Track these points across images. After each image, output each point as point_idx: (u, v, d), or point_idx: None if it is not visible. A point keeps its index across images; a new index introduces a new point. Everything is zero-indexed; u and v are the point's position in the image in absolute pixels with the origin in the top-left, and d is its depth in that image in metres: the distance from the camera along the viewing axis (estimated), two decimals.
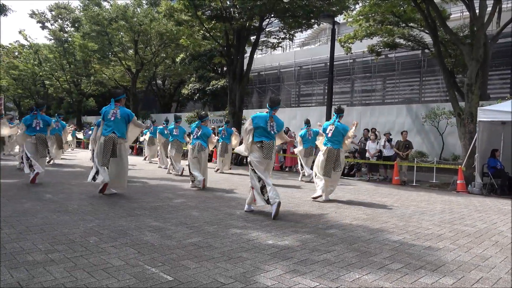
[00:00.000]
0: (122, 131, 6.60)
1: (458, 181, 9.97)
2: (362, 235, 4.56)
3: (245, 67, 18.89)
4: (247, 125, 5.71)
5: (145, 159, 15.75)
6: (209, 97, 27.05)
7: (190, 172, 8.27)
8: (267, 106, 5.70)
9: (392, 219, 5.71)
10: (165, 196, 6.91)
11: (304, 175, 10.92)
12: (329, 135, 7.17)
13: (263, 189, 5.40)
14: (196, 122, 8.70)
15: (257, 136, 5.59)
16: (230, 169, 12.85)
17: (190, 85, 28.19)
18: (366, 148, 12.52)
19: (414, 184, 11.27)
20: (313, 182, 8.30)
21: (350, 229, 4.85)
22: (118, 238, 3.95)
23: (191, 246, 3.77)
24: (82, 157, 16.08)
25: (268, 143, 5.54)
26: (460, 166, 10.32)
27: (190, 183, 8.31)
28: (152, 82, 29.97)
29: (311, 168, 9.42)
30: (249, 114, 21.21)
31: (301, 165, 10.97)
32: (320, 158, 7.36)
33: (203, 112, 9.46)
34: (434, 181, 11.87)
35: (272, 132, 5.62)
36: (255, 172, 5.52)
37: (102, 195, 6.54)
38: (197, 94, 27.40)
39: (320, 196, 7.16)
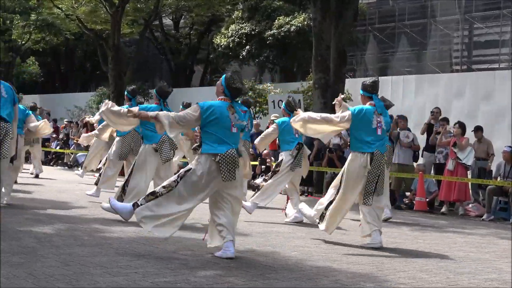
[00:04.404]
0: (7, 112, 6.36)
1: None
2: None
3: None
4: None
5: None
6: (271, 53, 21.39)
7: None
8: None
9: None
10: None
11: None
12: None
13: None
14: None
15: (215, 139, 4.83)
16: None
17: (232, 27, 21.87)
18: None
19: None
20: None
21: None
22: None
23: None
24: None
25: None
26: None
27: None
28: (152, 24, 22.91)
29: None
30: (355, 87, 13.62)
31: None
32: None
33: (163, 83, 7.71)
34: None
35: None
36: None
37: None
38: (247, 47, 21.58)
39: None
